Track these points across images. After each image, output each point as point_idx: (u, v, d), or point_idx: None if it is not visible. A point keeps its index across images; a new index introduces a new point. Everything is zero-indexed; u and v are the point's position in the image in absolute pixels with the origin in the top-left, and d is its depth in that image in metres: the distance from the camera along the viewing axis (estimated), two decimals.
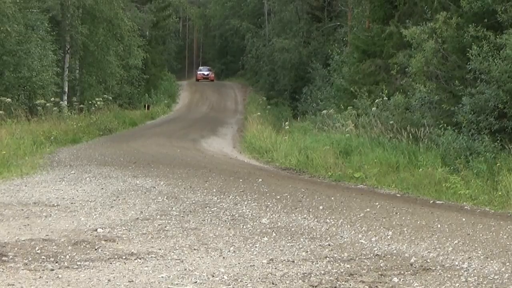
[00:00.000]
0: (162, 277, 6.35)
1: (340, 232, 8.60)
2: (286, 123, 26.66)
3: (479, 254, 7.35)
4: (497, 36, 14.44)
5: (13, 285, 5.95)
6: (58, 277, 6.27)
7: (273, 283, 6.24)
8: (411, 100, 18.34)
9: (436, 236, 8.28)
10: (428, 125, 16.57)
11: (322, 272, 6.66)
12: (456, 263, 7.01)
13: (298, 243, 7.90)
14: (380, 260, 7.14)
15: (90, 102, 30.17)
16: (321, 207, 10.37)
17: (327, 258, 7.19)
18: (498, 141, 13.66)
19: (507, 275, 6.56)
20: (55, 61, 28.17)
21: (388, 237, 8.28)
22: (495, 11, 14.89)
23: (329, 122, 21.84)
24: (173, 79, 58.69)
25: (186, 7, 56.36)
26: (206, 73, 68.82)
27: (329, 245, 7.85)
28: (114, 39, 33.77)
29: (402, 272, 6.69)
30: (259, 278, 6.39)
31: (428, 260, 7.12)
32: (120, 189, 11.74)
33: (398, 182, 13.68)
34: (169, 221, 9.08)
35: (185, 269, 6.65)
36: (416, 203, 11.44)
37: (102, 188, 11.82)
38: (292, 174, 16.66)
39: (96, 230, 8.41)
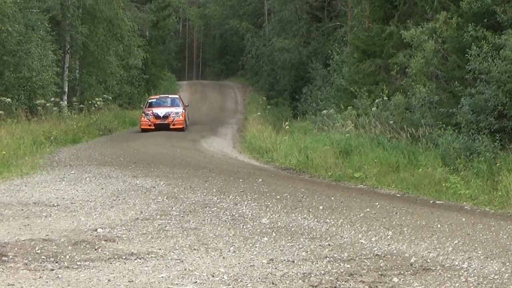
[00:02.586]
0: (162, 277, 6.35)
1: (340, 232, 8.60)
2: (286, 123, 26.65)
3: (479, 254, 7.34)
4: (496, 36, 14.45)
5: (13, 285, 5.95)
6: (58, 277, 6.27)
7: (273, 283, 6.24)
8: (411, 100, 18.34)
9: (436, 236, 8.28)
10: (428, 125, 16.57)
11: (322, 272, 6.66)
12: (456, 263, 7.01)
13: (298, 243, 7.90)
14: (380, 260, 7.14)
15: (90, 102, 30.17)
16: (321, 207, 10.36)
17: (327, 258, 7.19)
18: (498, 141, 13.67)
19: (507, 275, 6.56)
20: (55, 61, 28.17)
21: (388, 237, 8.28)
22: (494, 12, 14.90)
23: (329, 122, 21.84)
24: (173, 79, 58.70)
25: (185, 8, 56.36)
26: (163, 112, 29.43)
27: (329, 245, 7.85)
28: (114, 39, 33.77)
29: (402, 272, 6.69)
30: (259, 278, 6.39)
31: (428, 260, 7.12)
32: (120, 189, 11.74)
33: (398, 182, 13.68)
34: (169, 221, 9.08)
35: (185, 269, 6.65)
36: (416, 203, 11.44)
37: (102, 188, 11.82)
38: (292, 174, 16.65)
39: (96, 230, 8.41)
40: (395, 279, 6.43)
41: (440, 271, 6.71)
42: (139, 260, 6.99)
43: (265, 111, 39.81)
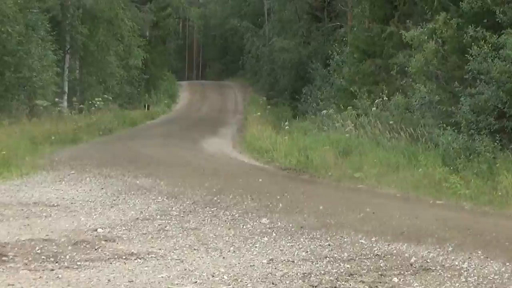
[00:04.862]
0: (162, 277, 6.35)
1: (340, 232, 8.60)
2: (286, 123, 26.65)
3: (479, 254, 7.35)
4: (495, 36, 14.45)
5: (13, 285, 5.95)
6: (58, 277, 6.27)
7: (273, 283, 6.24)
8: (411, 100, 18.35)
9: (436, 236, 8.28)
10: (428, 125, 16.58)
11: (322, 272, 6.66)
12: (456, 263, 7.01)
13: (298, 243, 7.90)
14: (380, 260, 7.14)
15: (90, 102, 30.15)
16: (321, 207, 10.36)
17: (327, 258, 7.19)
18: (497, 141, 13.67)
19: (507, 275, 6.56)
20: (55, 61, 28.19)
21: (388, 237, 8.28)
22: (494, 12, 14.90)
23: (329, 122, 21.85)
24: (173, 79, 58.70)
25: (185, 8, 56.32)
26: None
27: (329, 245, 7.85)
28: (114, 39, 33.78)
29: (402, 272, 6.69)
30: (259, 278, 6.39)
31: (428, 260, 7.12)
32: (120, 189, 11.74)
33: (398, 182, 13.67)
34: (169, 221, 9.08)
35: (185, 269, 6.65)
36: (416, 203, 11.43)
37: (102, 188, 11.82)
38: (292, 174, 16.65)
39: (96, 230, 8.41)
40: (395, 279, 6.43)
41: (440, 271, 6.71)
42: (139, 260, 6.99)
43: (265, 111, 39.80)
